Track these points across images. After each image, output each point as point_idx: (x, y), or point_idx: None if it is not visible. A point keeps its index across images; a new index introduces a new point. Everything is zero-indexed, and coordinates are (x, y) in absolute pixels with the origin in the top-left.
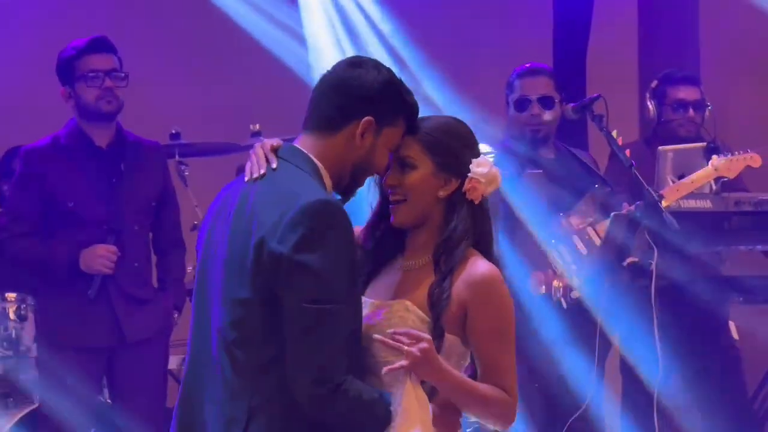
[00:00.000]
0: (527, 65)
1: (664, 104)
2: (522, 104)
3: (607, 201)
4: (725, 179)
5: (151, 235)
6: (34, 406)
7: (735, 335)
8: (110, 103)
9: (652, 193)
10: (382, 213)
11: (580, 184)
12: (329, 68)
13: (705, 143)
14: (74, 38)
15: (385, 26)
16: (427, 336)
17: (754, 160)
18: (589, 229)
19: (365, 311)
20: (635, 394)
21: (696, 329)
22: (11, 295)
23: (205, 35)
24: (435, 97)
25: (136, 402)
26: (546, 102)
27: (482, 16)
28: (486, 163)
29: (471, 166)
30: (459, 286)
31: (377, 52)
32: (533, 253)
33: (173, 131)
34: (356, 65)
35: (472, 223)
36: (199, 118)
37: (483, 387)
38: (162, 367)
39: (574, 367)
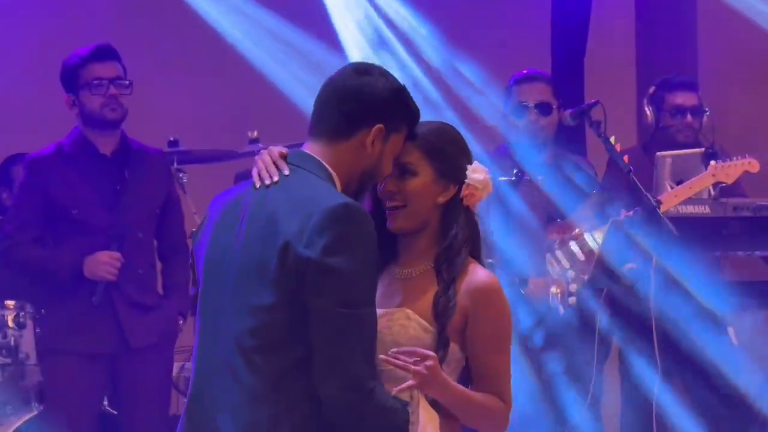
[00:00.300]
0: (524, 71)
1: (662, 110)
2: (520, 111)
3: (605, 207)
4: (723, 185)
5: (156, 242)
6: (33, 414)
7: (734, 340)
8: (114, 111)
9: (651, 198)
10: (374, 219)
11: (578, 190)
12: (333, 75)
13: (703, 149)
14: (73, 46)
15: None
16: (432, 353)
17: (752, 165)
18: (587, 235)
19: None
20: (634, 399)
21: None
22: (10, 303)
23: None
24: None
25: (140, 409)
26: (544, 108)
27: (479, 20)
28: (481, 169)
29: (467, 173)
30: (460, 294)
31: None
32: (531, 259)
33: (171, 138)
34: (364, 72)
35: (470, 230)
36: (196, 126)
37: (482, 398)
38: (166, 373)
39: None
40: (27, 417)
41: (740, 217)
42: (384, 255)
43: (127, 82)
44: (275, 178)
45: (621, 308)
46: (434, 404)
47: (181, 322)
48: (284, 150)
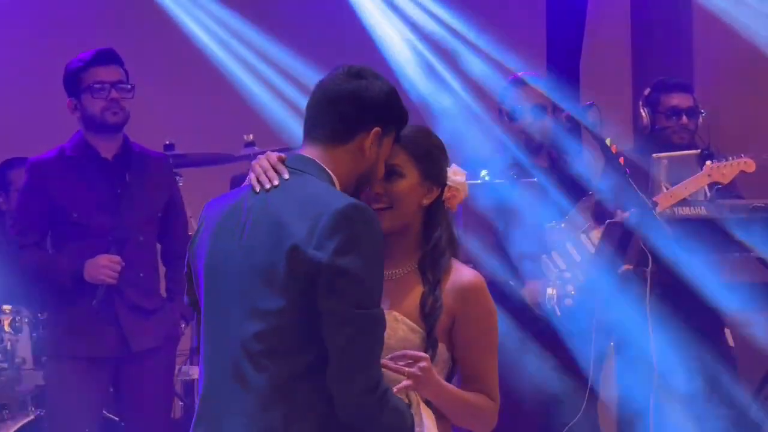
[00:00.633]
0: (520, 74)
1: (657, 112)
2: (515, 113)
3: (601, 208)
4: (720, 186)
5: (159, 245)
6: (30, 418)
7: (730, 342)
8: (116, 115)
9: (646, 200)
10: None
11: (574, 192)
12: (324, 78)
13: (699, 150)
14: (69, 51)
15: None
16: (424, 354)
17: (748, 165)
18: (583, 237)
19: None
20: (631, 400)
21: (691, 336)
22: (7, 307)
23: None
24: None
25: (142, 413)
26: (539, 110)
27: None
28: (461, 171)
29: (449, 175)
30: (446, 293)
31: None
32: (527, 261)
33: (167, 142)
34: (358, 76)
35: (451, 231)
36: (192, 129)
37: (472, 397)
38: (168, 377)
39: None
40: (24, 421)
41: (736, 218)
42: None
43: (129, 86)
44: (275, 182)
45: (617, 309)
46: (427, 405)
47: (183, 325)
48: (282, 155)
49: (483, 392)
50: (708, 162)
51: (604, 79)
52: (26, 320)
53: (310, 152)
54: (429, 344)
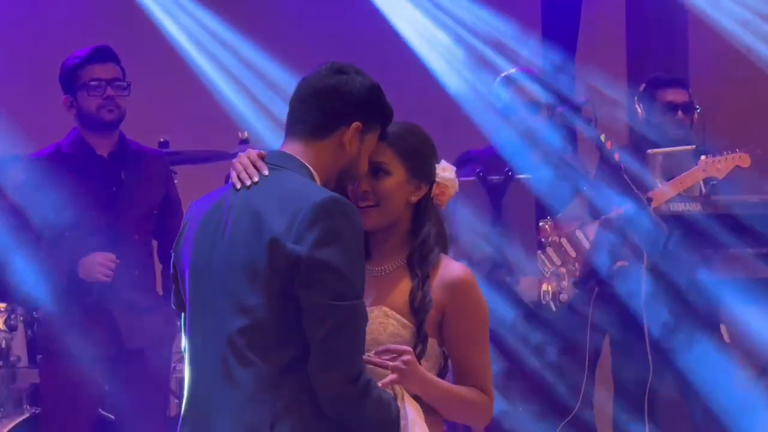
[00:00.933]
0: (513, 70)
1: (652, 107)
2: (509, 109)
3: (596, 204)
4: (715, 181)
5: (155, 243)
6: (24, 417)
7: (726, 338)
8: (111, 112)
9: (641, 196)
10: None
11: (569, 187)
12: (308, 74)
13: (694, 146)
14: (64, 48)
15: None
16: (408, 348)
17: (743, 159)
18: (578, 233)
19: None
20: (626, 397)
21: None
22: (1, 305)
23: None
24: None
25: (138, 411)
26: (534, 107)
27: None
28: (450, 168)
29: (438, 171)
30: (435, 288)
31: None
32: (522, 257)
33: (161, 139)
34: (340, 71)
35: (440, 227)
36: (186, 127)
37: (463, 391)
38: (164, 375)
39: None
40: (19, 420)
41: (731, 214)
42: None
43: (125, 84)
44: (255, 179)
45: (612, 305)
46: (416, 400)
47: (179, 323)
48: (262, 152)
49: (476, 386)
50: (703, 157)
51: (598, 74)
52: (21, 318)
53: (291, 148)
54: (419, 339)
